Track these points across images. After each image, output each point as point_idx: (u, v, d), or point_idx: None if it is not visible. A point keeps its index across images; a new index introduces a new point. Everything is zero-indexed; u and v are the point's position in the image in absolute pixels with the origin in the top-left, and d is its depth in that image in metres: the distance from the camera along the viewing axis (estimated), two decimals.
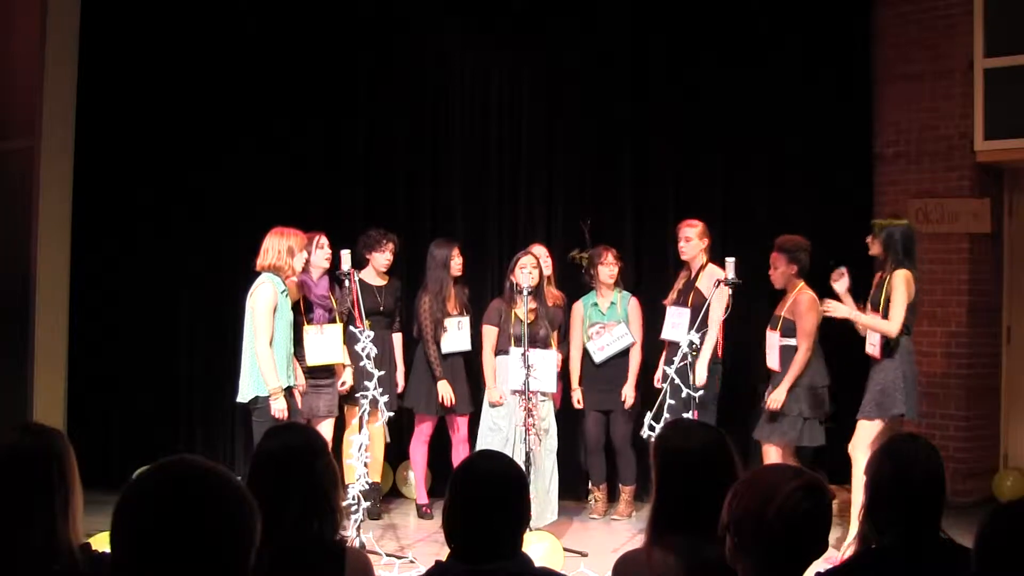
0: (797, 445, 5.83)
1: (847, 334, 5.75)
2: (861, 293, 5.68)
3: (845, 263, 5.71)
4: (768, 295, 6.25)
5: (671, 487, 2.49)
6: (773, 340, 5.87)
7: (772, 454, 5.76)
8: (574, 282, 6.89)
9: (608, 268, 6.57)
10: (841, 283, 5.63)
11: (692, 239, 6.29)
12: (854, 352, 5.69)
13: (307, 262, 5.90)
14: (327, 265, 6.18)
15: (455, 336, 6.48)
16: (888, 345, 5.46)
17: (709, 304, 5.83)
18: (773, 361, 5.87)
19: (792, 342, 5.79)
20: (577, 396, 6.63)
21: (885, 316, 5.43)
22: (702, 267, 6.28)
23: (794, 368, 5.74)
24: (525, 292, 5.94)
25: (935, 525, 2.60)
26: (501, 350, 6.28)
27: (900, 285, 5.41)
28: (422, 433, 6.63)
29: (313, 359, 5.96)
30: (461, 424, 6.60)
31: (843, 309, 5.49)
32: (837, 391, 5.93)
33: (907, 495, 2.58)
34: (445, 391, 6.41)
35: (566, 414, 6.62)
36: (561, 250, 7.16)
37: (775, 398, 5.74)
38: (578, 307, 6.70)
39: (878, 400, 5.42)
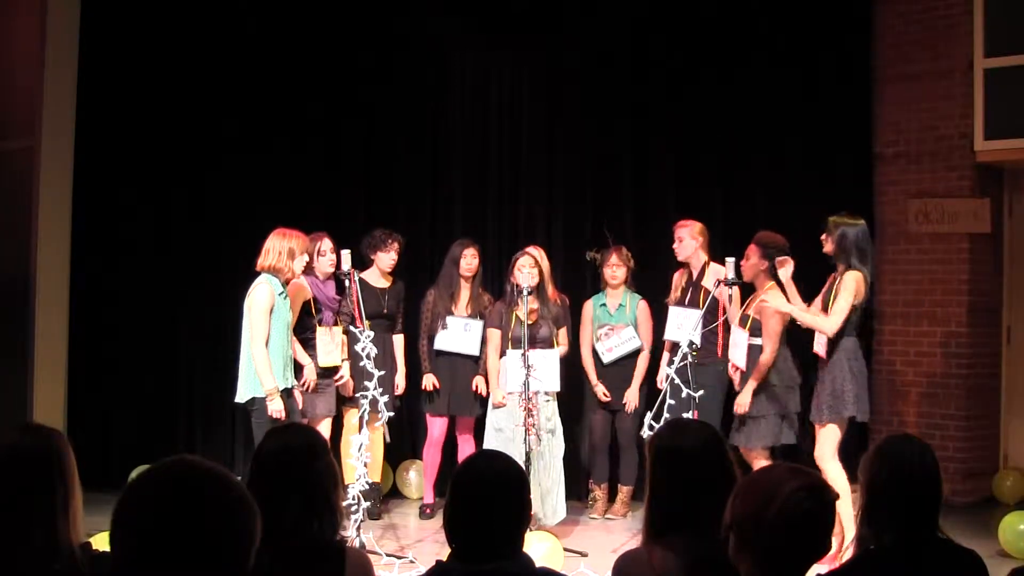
0: (775, 445, 5.76)
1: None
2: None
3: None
4: None
5: (665, 486, 2.49)
6: (741, 338, 5.77)
7: (759, 458, 5.71)
8: (574, 281, 6.87)
9: (609, 270, 6.59)
10: (785, 270, 5.56)
11: (684, 239, 6.31)
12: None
13: (311, 266, 5.92)
14: (331, 270, 6.21)
15: (458, 336, 6.48)
16: (831, 346, 5.37)
17: (721, 304, 5.80)
18: (739, 359, 5.78)
19: (759, 341, 5.72)
20: (602, 390, 6.58)
21: None
22: (705, 264, 6.28)
23: (758, 371, 5.63)
24: (525, 292, 5.94)
25: (933, 525, 2.60)
26: (504, 352, 6.28)
27: (849, 286, 5.29)
28: (432, 435, 6.63)
29: (323, 361, 6.01)
30: (465, 427, 6.62)
31: (778, 301, 5.43)
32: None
33: (904, 495, 2.58)
34: (428, 381, 6.51)
35: (568, 414, 6.62)
36: (561, 250, 7.16)
37: (741, 402, 5.66)
38: (588, 307, 6.73)
39: (829, 403, 5.33)
